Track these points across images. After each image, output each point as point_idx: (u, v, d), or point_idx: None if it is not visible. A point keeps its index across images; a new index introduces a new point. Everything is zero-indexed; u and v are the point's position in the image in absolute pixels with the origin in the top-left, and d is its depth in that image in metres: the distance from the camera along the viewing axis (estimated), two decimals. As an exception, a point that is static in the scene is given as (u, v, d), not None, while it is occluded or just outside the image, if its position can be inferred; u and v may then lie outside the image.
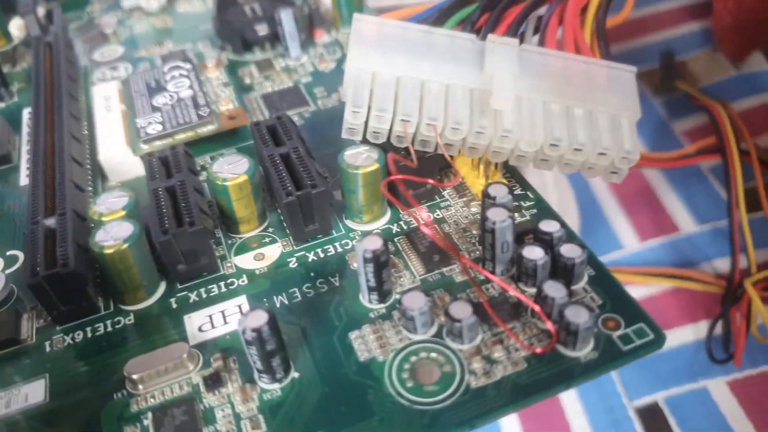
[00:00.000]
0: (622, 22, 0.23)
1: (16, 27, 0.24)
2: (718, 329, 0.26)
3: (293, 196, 0.15)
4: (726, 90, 0.36)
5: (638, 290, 0.29)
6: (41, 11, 0.25)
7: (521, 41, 0.17)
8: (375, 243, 0.14)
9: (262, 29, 0.23)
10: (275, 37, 0.23)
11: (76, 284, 0.15)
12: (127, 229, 0.15)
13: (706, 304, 0.28)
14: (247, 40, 0.23)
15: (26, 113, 0.23)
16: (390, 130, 0.16)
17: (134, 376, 0.14)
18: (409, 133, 0.15)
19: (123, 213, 0.15)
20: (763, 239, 0.28)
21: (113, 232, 0.15)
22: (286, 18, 0.22)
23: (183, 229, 0.15)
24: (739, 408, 0.25)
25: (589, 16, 0.19)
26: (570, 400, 0.28)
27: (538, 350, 0.13)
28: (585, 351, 0.14)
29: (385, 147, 0.16)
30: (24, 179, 0.20)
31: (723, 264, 0.28)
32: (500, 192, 0.15)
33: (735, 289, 0.26)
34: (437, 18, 0.17)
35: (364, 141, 0.16)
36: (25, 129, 0.22)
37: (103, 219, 0.15)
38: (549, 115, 0.16)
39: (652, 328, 0.14)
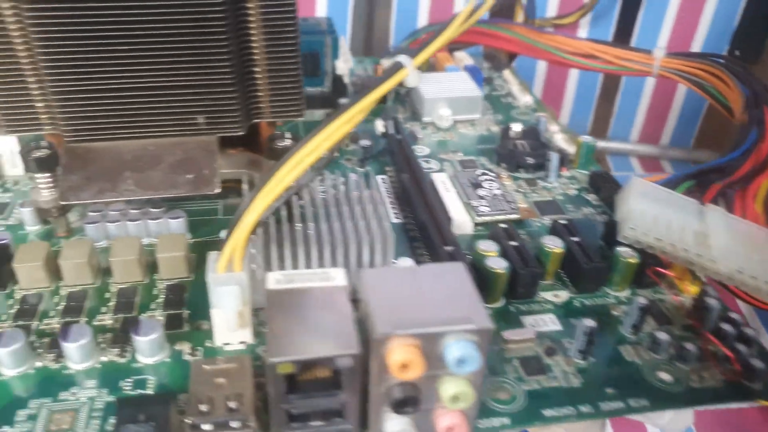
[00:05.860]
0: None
1: (380, 125, 0.39)
2: None
3: (589, 266, 0.28)
4: None
5: None
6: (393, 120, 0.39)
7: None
8: (643, 301, 0.26)
9: (530, 160, 0.37)
10: (537, 166, 0.37)
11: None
12: (503, 263, 0.27)
13: None
14: (518, 164, 0.37)
15: (379, 179, 0.36)
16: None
17: (509, 339, 0.26)
18: (659, 247, 0.28)
19: (496, 253, 0.28)
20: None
21: (497, 263, 0.27)
22: (555, 158, 0.36)
23: (530, 269, 0.27)
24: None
25: (759, 199, 0.31)
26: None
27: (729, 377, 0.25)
28: (757, 385, 0.25)
29: (641, 251, 0.28)
30: (393, 219, 0.33)
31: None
32: (712, 292, 0.27)
33: None
34: (673, 185, 0.30)
35: (629, 246, 0.28)
36: (382, 187, 0.35)
37: (487, 254, 0.28)
38: (738, 256, 0.28)
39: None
